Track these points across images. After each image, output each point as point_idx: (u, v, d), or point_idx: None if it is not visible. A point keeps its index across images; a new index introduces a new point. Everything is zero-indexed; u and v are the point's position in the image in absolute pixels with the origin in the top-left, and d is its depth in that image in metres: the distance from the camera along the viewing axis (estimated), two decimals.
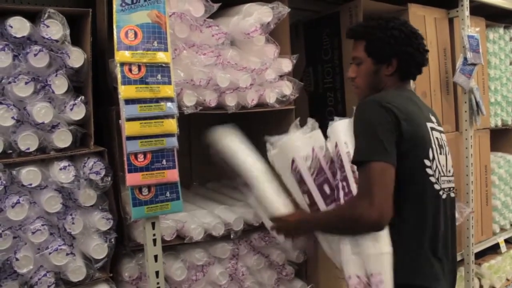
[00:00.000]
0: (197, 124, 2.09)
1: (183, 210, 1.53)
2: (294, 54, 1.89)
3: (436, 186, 1.41)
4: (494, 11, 2.88)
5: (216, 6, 1.61)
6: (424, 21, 2.47)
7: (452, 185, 1.49)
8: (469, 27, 2.58)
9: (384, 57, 1.49)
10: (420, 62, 1.53)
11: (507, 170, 3.07)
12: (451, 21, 2.65)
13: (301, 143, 1.55)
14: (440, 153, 1.43)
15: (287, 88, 1.85)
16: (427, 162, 1.38)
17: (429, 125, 1.44)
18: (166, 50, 1.44)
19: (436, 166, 1.40)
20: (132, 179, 1.40)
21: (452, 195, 1.49)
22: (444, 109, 2.58)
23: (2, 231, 1.34)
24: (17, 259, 1.36)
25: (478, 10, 2.76)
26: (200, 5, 1.60)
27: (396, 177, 1.31)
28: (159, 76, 1.42)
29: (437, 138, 1.44)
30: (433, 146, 1.41)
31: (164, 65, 1.43)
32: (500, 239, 2.99)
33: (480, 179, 2.83)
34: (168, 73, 1.44)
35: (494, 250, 3.01)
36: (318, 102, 2.38)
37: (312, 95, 2.42)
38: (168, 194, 1.46)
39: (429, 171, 1.38)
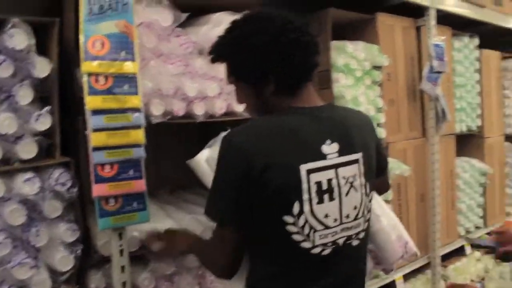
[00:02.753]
0: (166, 133, 2.08)
1: (151, 219, 1.53)
2: None
3: (306, 245, 1.16)
4: (461, 20, 2.95)
5: (184, 15, 1.61)
6: (392, 30, 2.52)
7: (354, 232, 1.23)
8: (435, 36, 2.64)
9: (255, 77, 1.21)
10: (306, 66, 1.21)
11: (472, 174, 3.15)
12: (418, 30, 2.71)
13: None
14: (330, 199, 1.16)
15: None
16: (288, 219, 1.12)
17: (306, 167, 1.13)
18: (133, 60, 1.43)
19: (306, 221, 1.13)
20: (98, 189, 1.39)
21: (355, 242, 1.24)
22: (411, 115, 2.64)
23: None
24: None
25: (445, 19, 2.82)
26: (168, 15, 1.59)
27: (253, 233, 1.18)
28: (126, 87, 1.41)
29: (319, 182, 1.15)
30: (306, 196, 1.13)
31: (131, 75, 1.42)
32: (465, 242, 3.07)
33: (446, 184, 2.90)
34: (135, 84, 1.43)
35: (459, 252, 3.08)
36: None
37: None
38: (135, 204, 1.46)
39: (291, 228, 1.14)
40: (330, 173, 1.17)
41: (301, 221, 1.14)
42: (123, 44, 1.41)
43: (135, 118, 1.42)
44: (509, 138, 3.65)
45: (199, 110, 1.71)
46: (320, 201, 1.15)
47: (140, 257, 1.65)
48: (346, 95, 2.12)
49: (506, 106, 3.56)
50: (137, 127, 1.43)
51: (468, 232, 3.17)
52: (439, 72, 2.59)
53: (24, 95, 1.41)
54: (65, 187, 1.47)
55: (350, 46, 2.20)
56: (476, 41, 3.19)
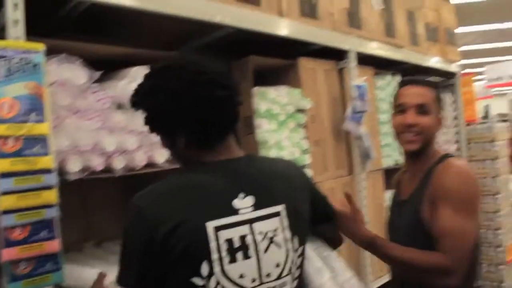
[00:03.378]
0: (91, 186, 2.07)
1: (73, 274, 1.52)
2: None
3: None
4: (383, 59, 3.12)
5: (98, 74, 1.64)
6: (315, 73, 2.63)
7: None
8: (357, 77, 2.78)
9: (163, 130, 1.21)
10: (219, 122, 1.16)
11: None
12: (341, 72, 2.84)
13: None
14: (245, 257, 1.09)
15: None
16: (197, 281, 1.05)
17: (213, 224, 1.06)
18: (44, 121, 1.44)
19: (218, 283, 1.05)
20: (8, 253, 1.37)
21: None
22: (337, 154, 2.74)
23: None
24: None
25: (368, 59, 2.98)
26: (82, 73, 1.62)
27: None
28: (37, 148, 1.41)
29: (230, 239, 1.07)
30: (215, 256, 1.06)
31: (42, 136, 1.43)
32: None
33: (376, 218, 3.00)
34: (46, 144, 1.44)
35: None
36: None
37: None
38: (48, 265, 1.44)
39: None
40: (244, 229, 1.10)
41: (212, 283, 1.05)
42: (33, 105, 1.42)
43: (46, 179, 1.42)
44: None
45: (118, 164, 1.72)
46: (233, 260, 1.07)
47: None
48: (269, 139, 2.19)
49: None
50: (49, 187, 1.43)
51: None
52: (361, 112, 2.72)
53: None
54: None
55: (272, 92, 2.29)
56: (398, 78, 3.37)
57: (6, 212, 1.36)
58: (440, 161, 1.66)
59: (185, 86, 1.12)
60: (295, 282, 1.19)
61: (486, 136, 4.35)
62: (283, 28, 2.30)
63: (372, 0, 3.00)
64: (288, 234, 1.16)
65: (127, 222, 1.11)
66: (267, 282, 1.12)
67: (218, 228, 1.07)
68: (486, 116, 5.58)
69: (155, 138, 1.81)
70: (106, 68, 1.73)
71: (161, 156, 1.85)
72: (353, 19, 2.83)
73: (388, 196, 3.18)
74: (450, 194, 1.57)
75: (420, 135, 1.66)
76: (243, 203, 1.12)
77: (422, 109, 1.66)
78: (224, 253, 1.07)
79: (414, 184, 1.71)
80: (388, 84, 3.28)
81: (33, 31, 1.48)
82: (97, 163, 1.67)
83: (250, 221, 1.11)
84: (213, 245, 1.06)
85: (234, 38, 2.23)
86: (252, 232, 1.11)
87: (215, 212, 1.08)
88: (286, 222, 1.16)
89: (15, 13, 1.41)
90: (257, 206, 1.13)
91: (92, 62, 1.66)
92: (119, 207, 1.58)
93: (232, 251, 1.08)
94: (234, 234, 1.09)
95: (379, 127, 3.14)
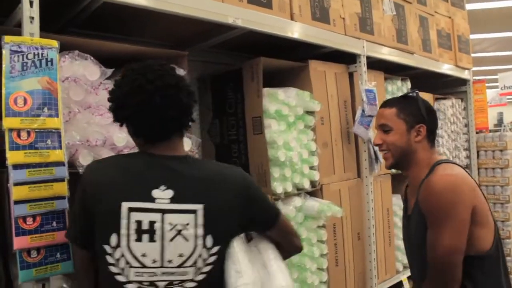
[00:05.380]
0: None
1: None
2: (201, 106, 1.97)
3: (120, 278, 1.25)
4: (394, 64, 3.13)
5: (110, 71, 1.67)
6: (325, 76, 2.65)
7: (177, 278, 1.27)
8: (367, 81, 2.80)
9: (117, 119, 1.38)
10: (158, 124, 1.32)
11: None
12: (351, 75, 2.86)
13: None
14: (150, 240, 1.24)
15: (186, 145, 1.93)
16: (107, 249, 1.25)
17: (128, 204, 1.25)
18: (57, 116, 1.48)
19: (122, 255, 1.24)
20: (19, 242, 1.41)
21: None
22: (345, 157, 2.76)
23: None
24: None
25: (379, 63, 3.00)
26: (95, 69, 1.66)
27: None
28: (49, 141, 1.46)
29: (140, 221, 1.24)
30: (125, 231, 1.24)
31: (54, 130, 1.47)
32: (403, 277, 3.17)
33: (383, 221, 3.01)
34: (58, 138, 1.48)
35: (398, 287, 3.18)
36: (223, 153, 2.47)
37: (218, 146, 2.52)
38: (58, 255, 1.48)
39: (109, 259, 1.26)
40: (155, 216, 1.25)
41: (117, 254, 1.25)
42: (46, 100, 1.46)
43: (58, 172, 1.46)
44: None
45: None
46: (139, 239, 1.25)
47: None
48: (278, 140, 2.21)
49: (440, 145, 3.74)
50: (61, 180, 1.47)
51: (406, 267, 3.26)
52: (371, 116, 2.73)
53: None
54: None
55: (282, 94, 2.31)
56: (409, 84, 3.38)
57: (18, 202, 1.41)
58: (430, 171, 1.70)
59: (132, 89, 1.29)
60: (202, 276, 1.30)
61: (497, 144, 4.33)
62: (294, 31, 2.32)
63: (384, 5, 3.02)
64: (200, 231, 1.29)
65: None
66: (167, 267, 1.26)
67: (131, 209, 1.25)
68: (499, 123, 5.54)
69: None
70: (118, 66, 1.77)
71: None
72: (365, 24, 2.84)
73: (395, 200, 3.20)
74: (428, 212, 1.63)
75: (389, 152, 1.80)
76: (162, 194, 1.27)
77: (384, 128, 1.80)
78: (132, 231, 1.24)
79: (414, 198, 1.76)
80: (398, 89, 3.28)
81: (47, 28, 1.52)
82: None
83: (163, 211, 1.26)
84: (124, 222, 1.24)
85: (245, 39, 2.27)
86: (162, 221, 1.26)
87: (133, 195, 1.26)
88: (201, 221, 1.28)
89: (31, 10, 1.46)
90: (174, 200, 1.27)
91: (104, 59, 1.70)
92: None
93: (139, 232, 1.24)
94: (145, 218, 1.25)
95: None
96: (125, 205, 1.24)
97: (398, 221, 3.18)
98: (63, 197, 1.48)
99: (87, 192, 1.30)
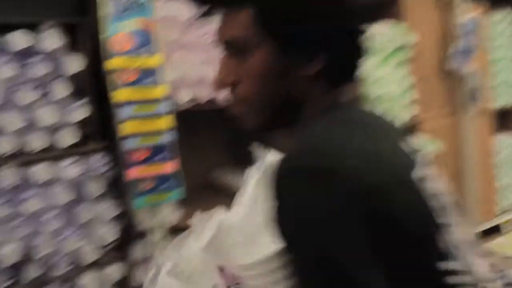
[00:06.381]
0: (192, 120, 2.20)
1: None
2: None
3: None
4: None
5: (201, 10, 1.72)
6: (421, 6, 2.52)
7: None
8: (467, 12, 2.62)
9: (302, 39, 0.66)
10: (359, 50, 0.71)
11: None
12: (449, 6, 2.69)
13: None
14: None
15: None
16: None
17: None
18: (155, 54, 1.57)
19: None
20: (132, 173, 1.56)
21: None
22: (441, 94, 2.64)
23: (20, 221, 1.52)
24: (35, 246, 1.54)
25: None
26: (186, 9, 1.71)
27: None
28: (151, 79, 1.56)
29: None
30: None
31: (155, 68, 1.57)
32: (503, 219, 3.04)
33: (482, 162, 2.88)
34: (160, 75, 1.58)
35: (496, 230, 3.05)
36: None
37: None
38: (167, 184, 1.62)
39: None
40: None
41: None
42: (144, 39, 1.56)
43: (162, 107, 1.57)
44: None
45: (222, 97, 1.83)
46: None
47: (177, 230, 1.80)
48: (373, 75, 2.17)
49: None
50: (165, 114, 1.59)
51: (506, 211, 3.12)
52: (470, 49, 2.58)
53: (60, 90, 1.57)
54: (105, 169, 1.64)
55: (376, 26, 2.24)
56: None
57: (128, 136, 1.54)
58: None
59: None
60: None
61: None
62: None
63: None
64: None
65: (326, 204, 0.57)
66: None
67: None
68: None
69: None
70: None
71: None
72: None
73: (500, 139, 3.01)
74: None
75: None
76: None
77: None
78: None
79: None
80: (501, 21, 3.03)
81: None
82: (204, 95, 1.80)
83: None
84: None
85: None
86: None
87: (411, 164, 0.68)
88: None
89: None
90: None
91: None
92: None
93: None
94: None
95: (491, 65, 2.94)
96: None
97: (501, 161, 3.01)
98: (167, 131, 1.59)
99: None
